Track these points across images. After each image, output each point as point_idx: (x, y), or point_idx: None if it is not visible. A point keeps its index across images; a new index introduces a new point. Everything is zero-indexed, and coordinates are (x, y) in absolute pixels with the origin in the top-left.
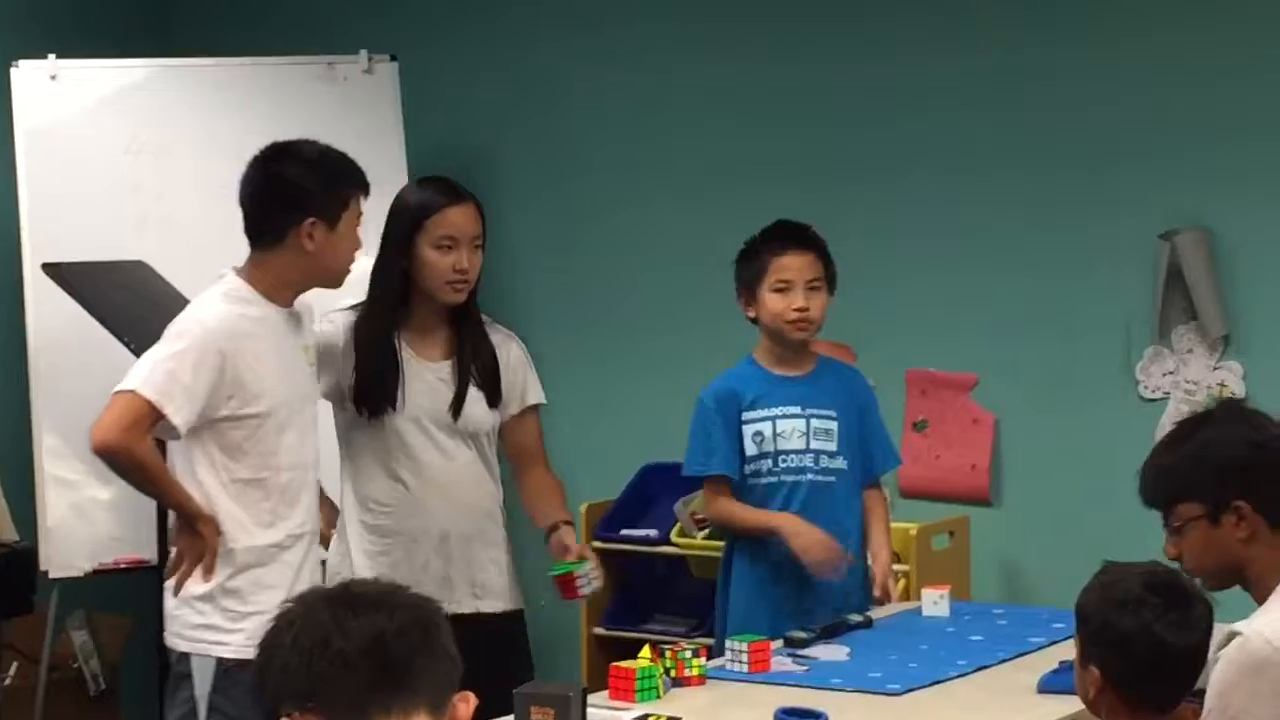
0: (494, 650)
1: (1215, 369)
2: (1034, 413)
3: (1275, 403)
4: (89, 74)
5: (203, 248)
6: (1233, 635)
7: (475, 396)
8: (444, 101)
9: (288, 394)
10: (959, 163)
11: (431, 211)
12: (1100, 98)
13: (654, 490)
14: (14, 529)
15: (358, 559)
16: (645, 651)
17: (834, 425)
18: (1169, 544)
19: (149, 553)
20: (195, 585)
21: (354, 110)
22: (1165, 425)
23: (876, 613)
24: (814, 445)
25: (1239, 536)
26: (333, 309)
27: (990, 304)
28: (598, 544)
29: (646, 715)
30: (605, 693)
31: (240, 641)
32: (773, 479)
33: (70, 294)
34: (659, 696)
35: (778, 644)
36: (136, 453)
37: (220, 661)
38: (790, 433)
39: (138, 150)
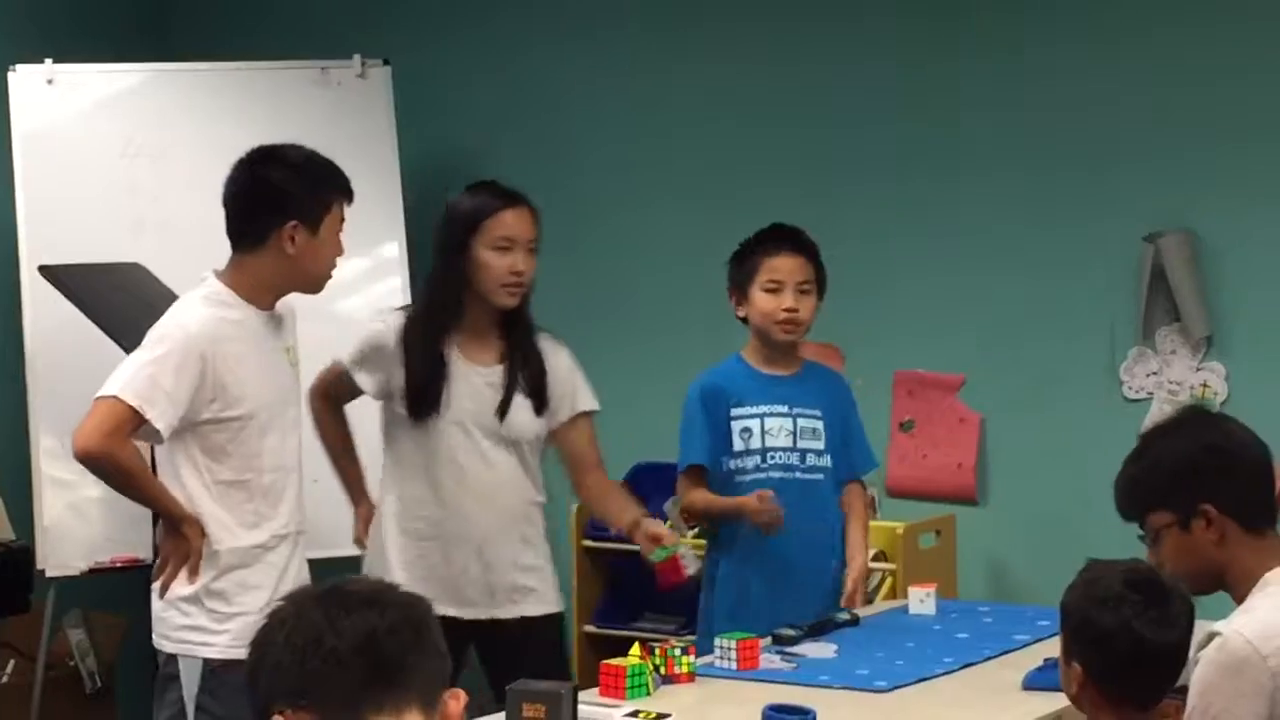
0: (536, 654)
1: (1198, 370)
2: (1020, 413)
3: (1257, 403)
4: (85, 78)
5: (198, 250)
6: (1213, 635)
7: (521, 403)
8: (437, 105)
9: (269, 396)
10: (946, 167)
11: (488, 214)
12: (1085, 102)
13: (645, 489)
14: (11, 528)
15: (394, 559)
16: (635, 649)
17: (820, 425)
18: (1149, 554)
19: (144, 552)
20: (181, 587)
21: (348, 114)
22: (1149, 425)
23: (864, 611)
24: (801, 444)
25: (1211, 539)
26: (385, 308)
27: (976, 305)
28: (588, 542)
29: (636, 712)
30: (596, 690)
31: (226, 642)
32: (760, 475)
33: (66, 296)
34: (649, 694)
35: (766, 641)
36: (119, 458)
37: (207, 662)
38: (778, 431)
39: (134, 154)
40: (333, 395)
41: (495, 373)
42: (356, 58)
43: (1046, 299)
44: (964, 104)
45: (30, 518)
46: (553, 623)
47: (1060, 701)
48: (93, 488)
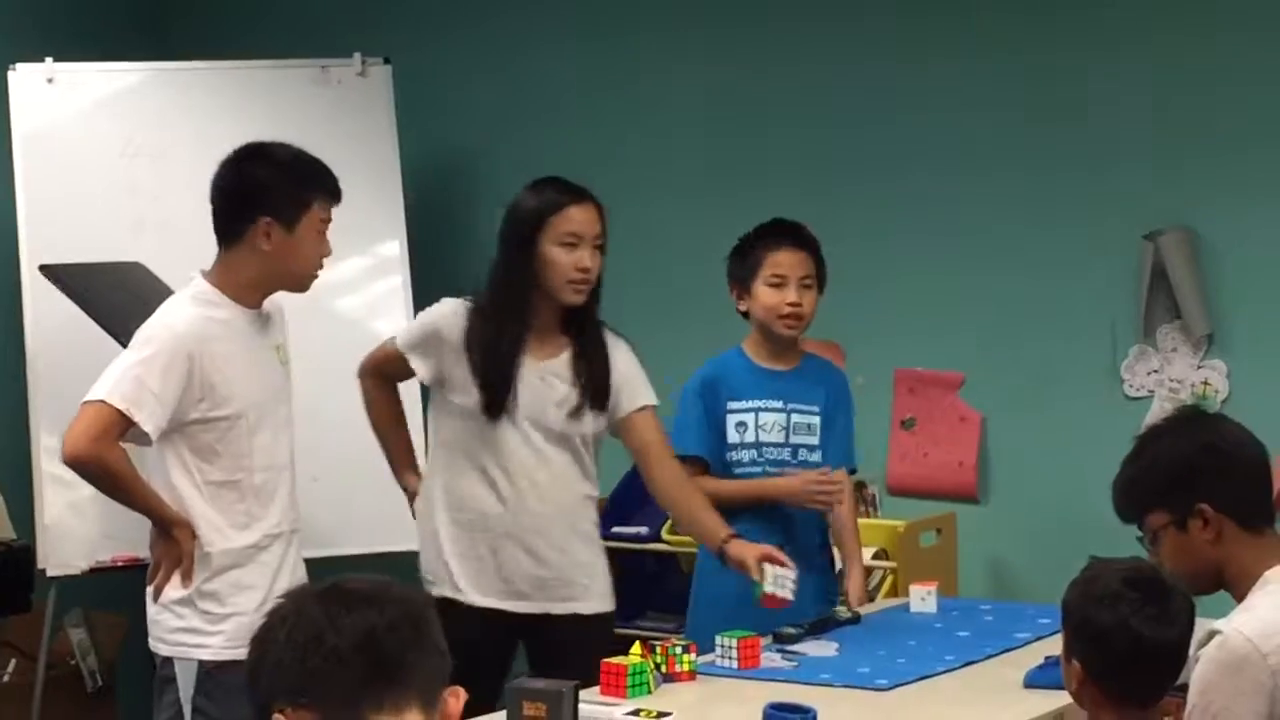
0: (585, 652)
1: (1199, 368)
2: (1020, 411)
3: (1258, 400)
4: (85, 77)
5: (198, 249)
6: (1213, 634)
7: (575, 396)
8: (438, 104)
9: (258, 395)
10: (946, 165)
11: (555, 210)
12: (1086, 100)
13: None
14: (12, 528)
15: (446, 549)
16: (636, 648)
17: (815, 420)
18: (1149, 554)
19: (145, 551)
20: (174, 590)
21: (348, 113)
22: (1147, 424)
23: (865, 609)
24: (794, 439)
25: (1207, 539)
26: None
27: (977, 303)
28: None
29: (637, 711)
30: (597, 689)
31: (220, 643)
32: (755, 469)
33: (67, 295)
34: (650, 692)
35: (767, 640)
36: (107, 462)
37: (202, 664)
38: (771, 426)
39: (134, 153)
40: (382, 374)
41: (552, 368)
42: (357, 56)
43: (1047, 297)
44: (965, 103)
45: (31, 517)
46: (604, 622)
47: (1061, 700)
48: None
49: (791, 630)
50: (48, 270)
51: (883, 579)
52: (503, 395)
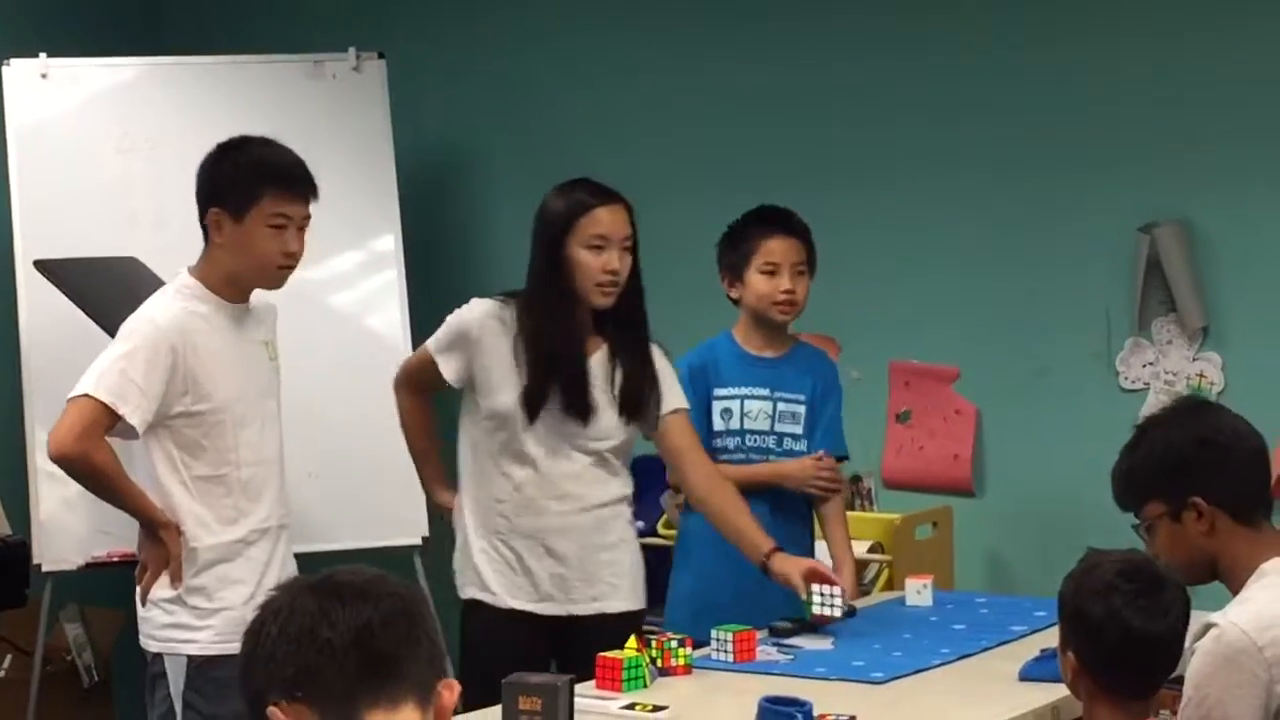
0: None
1: (1194, 360)
2: (1016, 404)
3: (1254, 392)
4: (80, 72)
5: (193, 244)
6: (1209, 626)
7: (605, 400)
8: (432, 98)
9: (243, 389)
10: (942, 158)
11: (582, 212)
12: (1080, 93)
13: (641, 483)
14: (7, 523)
15: (474, 550)
16: (632, 642)
17: (800, 408)
18: (1146, 545)
19: None
20: (162, 589)
21: (342, 108)
22: (1144, 415)
23: (860, 602)
24: (779, 427)
25: (1200, 531)
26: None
27: (972, 297)
28: None
29: (633, 705)
30: (592, 683)
31: (208, 638)
32: (740, 456)
33: (61, 290)
34: (645, 686)
35: (763, 633)
36: (93, 459)
37: (191, 659)
38: (757, 413)
39: (128, 148)
40: (415, 384)
41: (592, 370)
42: (351, 51)
43: (1042, 290)
44: (961, 98)
45: (27, 512)
46: (631, 620)
47: (1057, 692)
48: None
49: (787, 624)
50: (42, 265)
51: (878, 572)
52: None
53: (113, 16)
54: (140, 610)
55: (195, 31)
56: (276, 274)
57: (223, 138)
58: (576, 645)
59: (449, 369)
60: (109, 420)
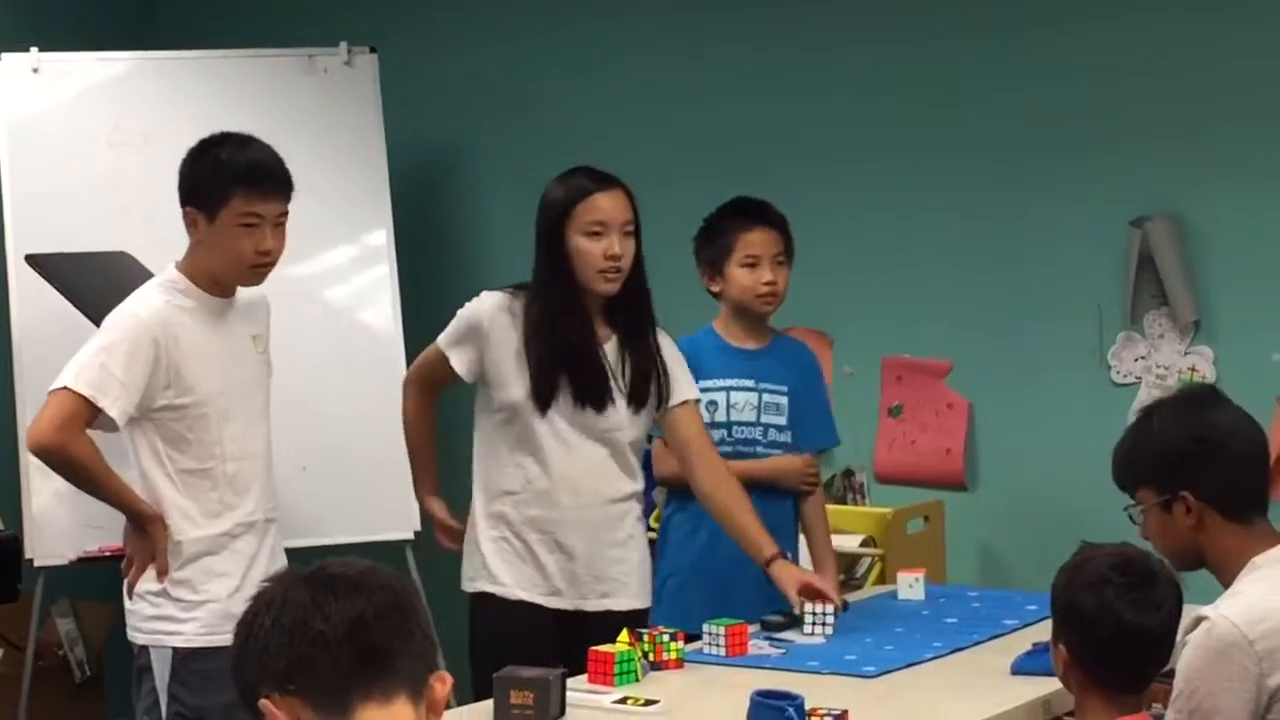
0: None
1: (1186, 354)
2: (1008, 398)
3: (1245, 386)
4: (71, 66)
5: (184, 239)
6: (1200, 619)
7: (617, 395)
8: (425, 92)
9: (227, 383)
10: (933, 151)
11: (579, 198)
12: (1072, 85)
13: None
14: None
15: (483, 541)
16: (623, 636)
17: (784, 400)
18: (1139, 529)
19: None
20: (148, 581)
21: (334, 102)
22: (1136, 410)
23: (852, 596)
24: (764, 419)
25: (1188, 524)
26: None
27: (964, 291)
28: None
29: (625, 698)
30: (584, 676)
31: (193, 630)
32: (726, 449)
33: (53, 285)
34: (637, 680)
35: (755, 627)
36: (72, 451)
37: (176, 651)
38: (743, 405)
39: (120, 142)
40: (426, 382)
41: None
42: (343, 45)
43: (1034, 284)
44: (953, 90)
45: (18, 507)
46: (637, 619)
47: (1048, 686)
48: None
49: (779, 618)
50: (33, 260)
51: (870, 566)
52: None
53: (104, 11)
54: (127, 603)
55: (187, 26)
56: (251, 272)
57: (214, 132)
58: (583, 641)
59: (460, 362)
60: (89, 413)
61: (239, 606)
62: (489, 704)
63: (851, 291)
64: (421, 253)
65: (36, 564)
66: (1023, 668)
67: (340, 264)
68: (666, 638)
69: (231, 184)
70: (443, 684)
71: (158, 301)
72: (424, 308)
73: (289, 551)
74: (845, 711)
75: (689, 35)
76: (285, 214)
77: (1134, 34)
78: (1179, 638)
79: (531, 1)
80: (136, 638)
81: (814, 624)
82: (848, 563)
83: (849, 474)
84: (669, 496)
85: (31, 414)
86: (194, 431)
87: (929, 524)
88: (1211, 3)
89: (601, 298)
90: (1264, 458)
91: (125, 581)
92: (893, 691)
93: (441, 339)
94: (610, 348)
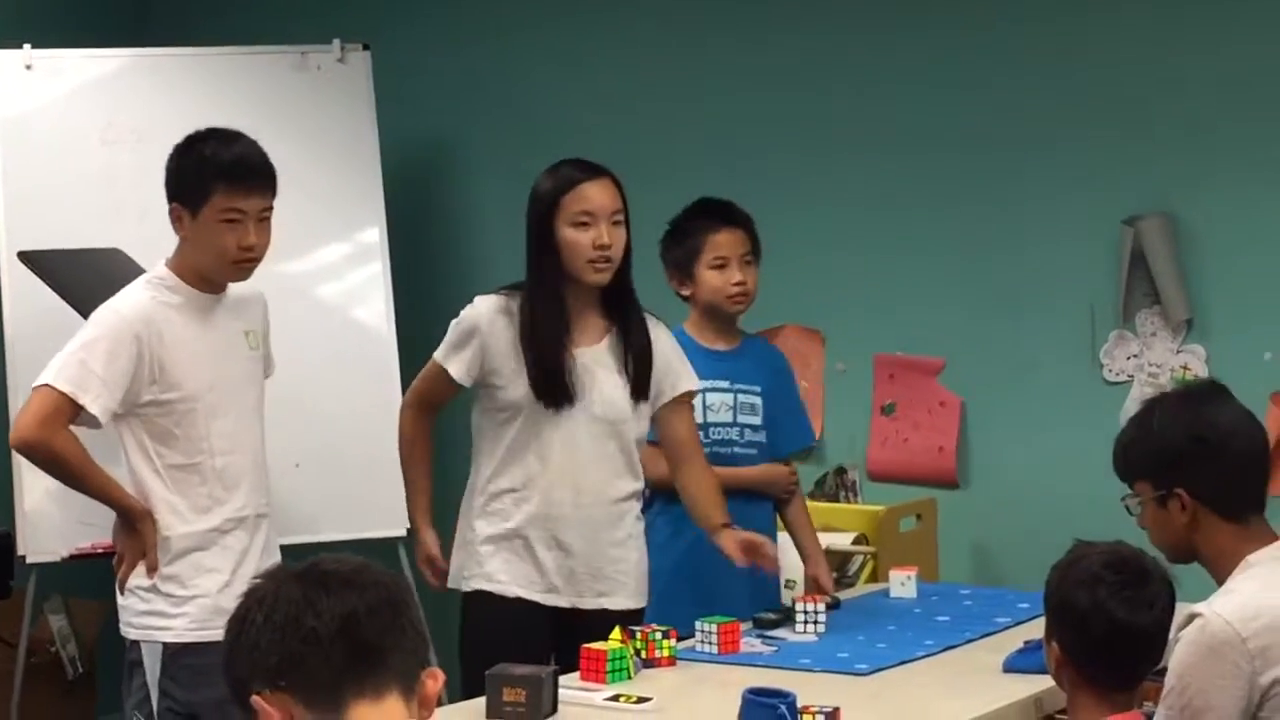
0: None
1: (1178, 352)
2: (1000, 396)
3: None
4: (64, 63)
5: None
6: (1193, 616)
7: (617, 382)
8: (418, 90)
9: (215, 379)
10: (927, 149)
11: (567, 189)
12: (1066, 84)
13: None
14: None
15: (479, 537)
16: (616, 633)
17: (758, 400)
18: (1137, 520)
19: None
20: (139, 577)
21: (327, 99)
22: (1129, 408)
23: (845, 594)
24: (740, 419)
25: (1183, 521)
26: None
27: (957, 289)
28: None
29: (617, 696)
30: (577, 674)
31: (183, 625)
32: (705, 450)
33: (46, 282)
34: (630, 677)
35: (747, 625)
36: (54, 446)
37: (166, 646)
38: (719, 406)
39: (113, 139)
40: (425, 403)
41: (601, 355)
42: (336, 42)
43: (1026, 282)
44: (947, 88)
45: (11, 504)
46: (633, 619)
47: (1040, 684)
48: None
49: (771, 615)
50: (26, 257)
51: (863, 564)
52: (555, 385)
53: (98, 7)
54: (119, 599)
55: (180, 23)
56: (235, 268)
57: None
58: (577, 639)
59: (458, 367)
60: (70, 410)
61: (229, 602)
62: (481, 701)
63: (844, 289)
64: (414, 250)
65: (29, 561)
66: (1015, 665)
67: (333, 261)
68: (659, 635)
69: (213, 180)
70: (434, 680)
71: (143, 298)
72: (417, 305)
73: (282, 549)
74: (837, 709)
75: (683, 30)
76: (269, 209)
77: (1128, 33)
78: (1172, 635)
79: None
80: (128, 633)
81: (806, 622)
82: (840, 560)
83: (841, 472)
84: (652, 498)
85: None
86: (181, 427)
87: (921, 522)
88: (1207, 1)
89: (595, 290)
90: (1263, 457)
91: (116, 577)
92: (885, 689)
93: (437, 353)
94: (610, 341)
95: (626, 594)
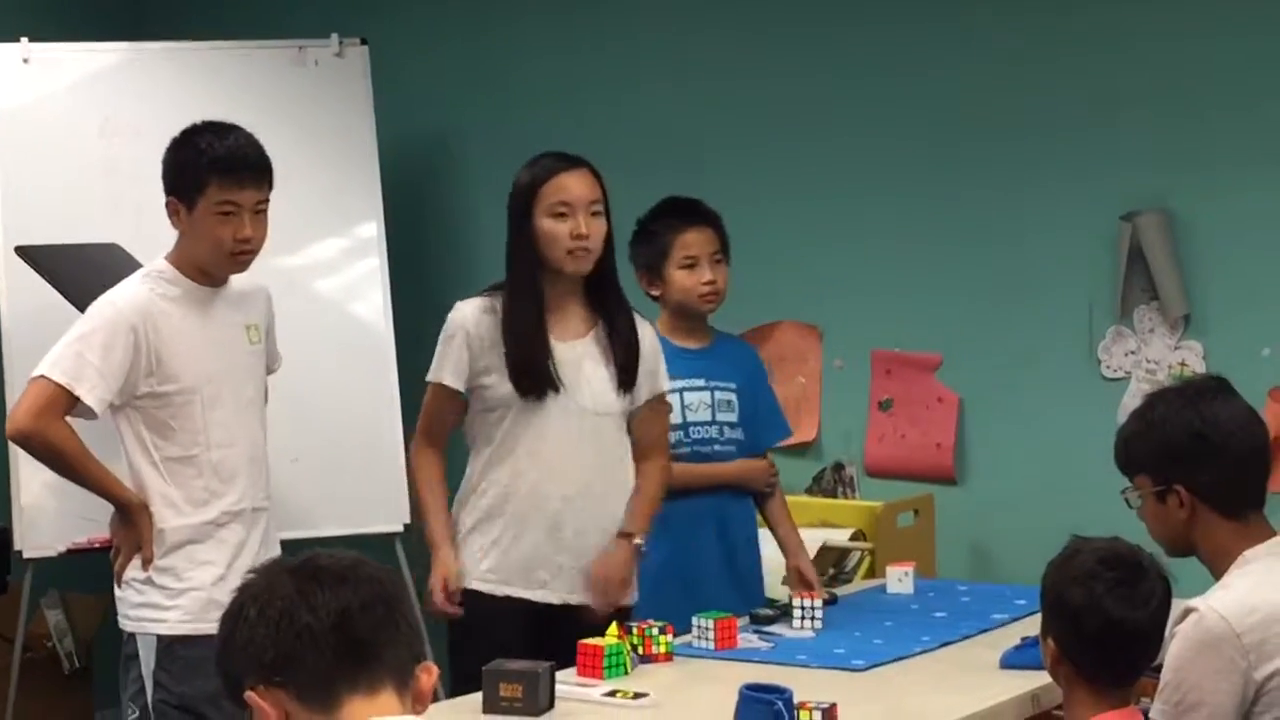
0: None
1: (1176, 348)
2: (997, 392)
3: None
4: (62, 57)
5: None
6: (1188, 611)
7: (606, 376)
8: (416, 84)
9: (213, 371)
10: (923, 144)
11: (544, 180)
12: (1063, 79)
13: None
14: None
15: (473, 538)
16: (613, 629)
17: (733, 396)
18: (1136, 509)
19: None
20: (135, 569)
21: (325, 94)
22: (1127, 404)
23: (841, 590)
24: (719, 417)
25: (1181, 517)
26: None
27: (954, 285)
28: None
29: (614, 692)
30: (573, 669)
31: (177, 618)
32: (685, 450)
33: (42, 276)
34: (626, 673)
35: (744, 621)
36: (50, 437)
37: (160, 638)
38: (697, 405)
39: (111, 133)
40: (434, 432)
41: (577, 346)
42: (334, 37)
43: (1024, 279)
44: (945, 86)
45: (8, 499)
46: (621, 616)
47: (1036, 680)
48: None
49: (768, 611)
50: (23, 252)
51: (860, 560)
52: (533, 375)
53: (95, 2)
54: (116, 590)
55: (178, 17)
56: (231, 260)
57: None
58: (563, 634)
59: (453, 374)
60: (66, 401)
61: (224, 595)
62: (477, 697)
63: (842, 285)
64: (412, 245)
65: (25, 556)
66: (1012, 662)
67: (331, 256)
68: (656, 631)
69: (208, 173)
70: (429, 675)
71: (140, 290)
72: (414, 300)
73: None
74: (834, 705)
75: (682, 22)
76: (264, 202)
77: (1128, 27)
78: (1168, 630)
79: None
80: (124, 625)
81: (803, 618)
82: (837, 556)
83: (839, 468)
84: None
85: None
86: (178, 419)
87: (919, 518)
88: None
89: (578, 283)
90: (1264, 455)
91: (113, 570)
92: (882, 685)
93: (431, 374)
94: (595, 334)
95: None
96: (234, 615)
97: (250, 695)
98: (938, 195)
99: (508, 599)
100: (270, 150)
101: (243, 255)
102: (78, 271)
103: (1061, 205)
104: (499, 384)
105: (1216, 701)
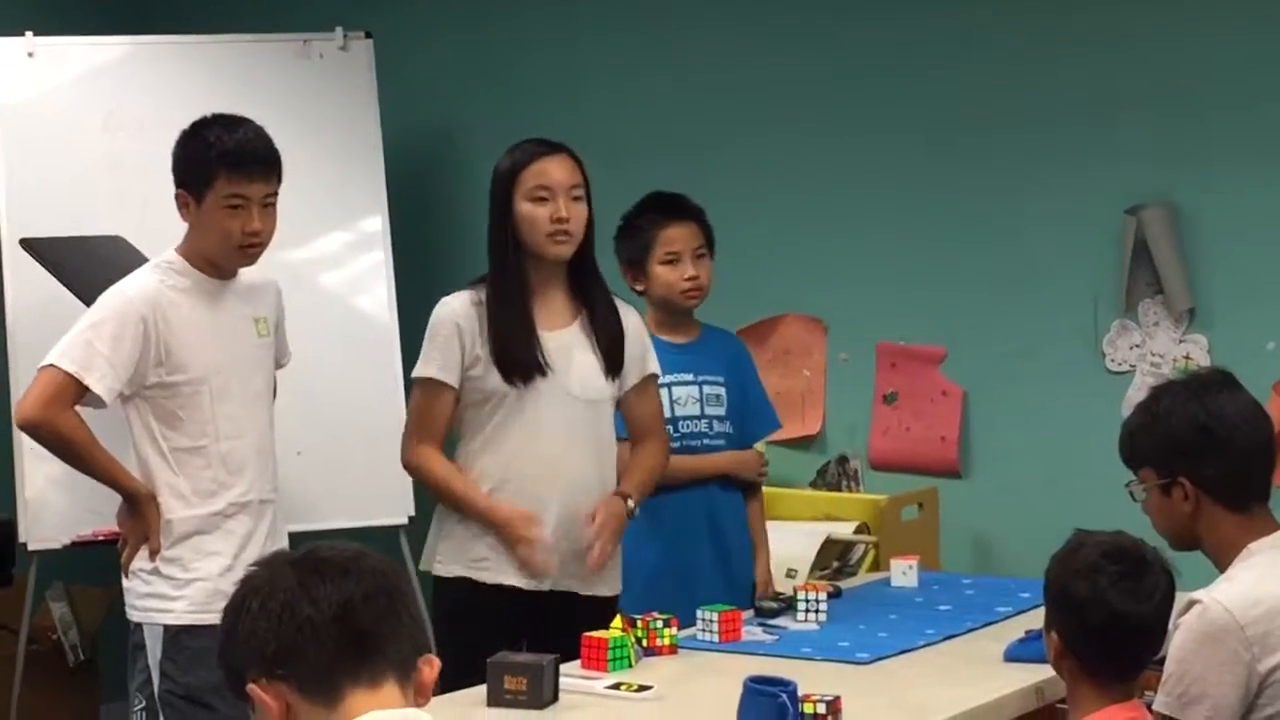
0: (580, 633)
1: (1181, 342)
2: (1002, 385)
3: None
4: (66, 51)
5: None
6: (1192, 603)
7: (593, 362)
8: (420, 78)
9: (222, 362)
10: (927, 138)
11: (524, 164)
12: (1064, 78)
13: None
14: None
15: (459, 527)
16: (617, 621)
17: (721, 390)
18: (1141, 501)
19: None
20: (142, 560)
21: (329, 87)
22: (1131, 398)
23: (846, 583)
24: (707, 411)
25: (1186, 510)
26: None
27: (959, 279)
28: None
29: (618, 684)
30: (577, 662)
31: (183, 608)
32: (674, 444)
33: (47, 268)
34: (631, 666)
35: (748, 614)
36: (58, 426)
37: (167, 629)
38: (686, 399)
39: (115, 127)
40: (431, 431)
41: (563, 335)
42: (338, 30)
43: (1029, 272)
44: (948, 79)
45: (12, 491)
46: (604, 607)
47: (1041, 673)
48: None
49: (773, 604)
50: (28, 244)
51: (865, 553)
52: (520, 358)
53: None
54: (124, 581)
55: (182, 11)
56: (240, 253)
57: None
58: (548, 623)
59: (442, 368)
60: (75, 390)
61: (230, 586)
62: (481, 690)
63: (846, 279)
64: (417, 238)
65: (31, 548)
66: (1016, 655)
67: (335, 250)
68: (660, 624)
69: (216, 166)
70: (431, 667)
71: (150, 281)
72: (419, 293)
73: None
74: (838, 698)
75: (684, 15)
76: (273, 195)
77: (1131, 22)
78: (1171, 623)
79: None
80: (131, 615)
81: (807, 611)
82: (842, 549)
83: (843, 461)
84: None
85: None
86: (186, 410)
87: (923, 511)
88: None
89: (561, 270)
90: (1268, 449)
91: (122, 560)
92: (886, 678)
93: (417, 370)
94: (580, 322)
95: (603, 581)
96: (236, 608)
97: (252, 688)
98: (943, 189)
99: (498, 587)
100: (275, 143)
101: (251, 248)
102: (82, 264)
103: (1066, 199)
104: (488, 375)
105: (1220, 694)
